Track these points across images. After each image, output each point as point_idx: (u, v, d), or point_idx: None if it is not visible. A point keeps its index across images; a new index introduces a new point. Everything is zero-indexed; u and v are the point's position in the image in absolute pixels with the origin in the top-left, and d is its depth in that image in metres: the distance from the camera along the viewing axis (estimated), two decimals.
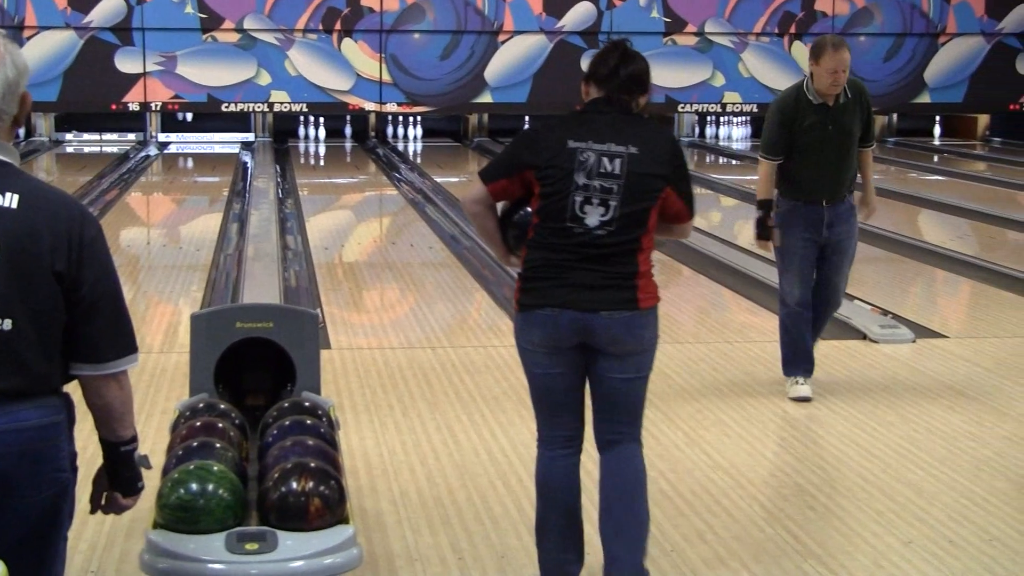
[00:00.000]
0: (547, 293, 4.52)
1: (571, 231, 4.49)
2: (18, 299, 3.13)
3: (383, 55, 21.34)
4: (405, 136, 22.52)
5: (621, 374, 4.59)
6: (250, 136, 22.04)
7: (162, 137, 21.89)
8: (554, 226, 4.51)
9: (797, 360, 7.40)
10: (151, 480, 4.05)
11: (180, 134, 22.11)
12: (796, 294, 7.36)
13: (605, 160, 4.48)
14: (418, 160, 20.45)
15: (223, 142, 21.90)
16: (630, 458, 4.64)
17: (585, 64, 4.80)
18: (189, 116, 21.94)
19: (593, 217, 4.47)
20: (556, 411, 4.65)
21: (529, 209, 4.63)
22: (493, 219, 4.71)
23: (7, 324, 3.12)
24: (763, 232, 7.41)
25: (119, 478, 3.46)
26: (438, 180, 17.37)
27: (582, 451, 4.72)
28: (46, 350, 3.20)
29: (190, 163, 20.48)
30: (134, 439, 3.44)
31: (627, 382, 4.61)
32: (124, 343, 3.30)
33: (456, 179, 18.12)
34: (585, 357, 4.59)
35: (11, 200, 3.14)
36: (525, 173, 4.56)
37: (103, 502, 3.50)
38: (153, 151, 20.83)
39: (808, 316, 7.39)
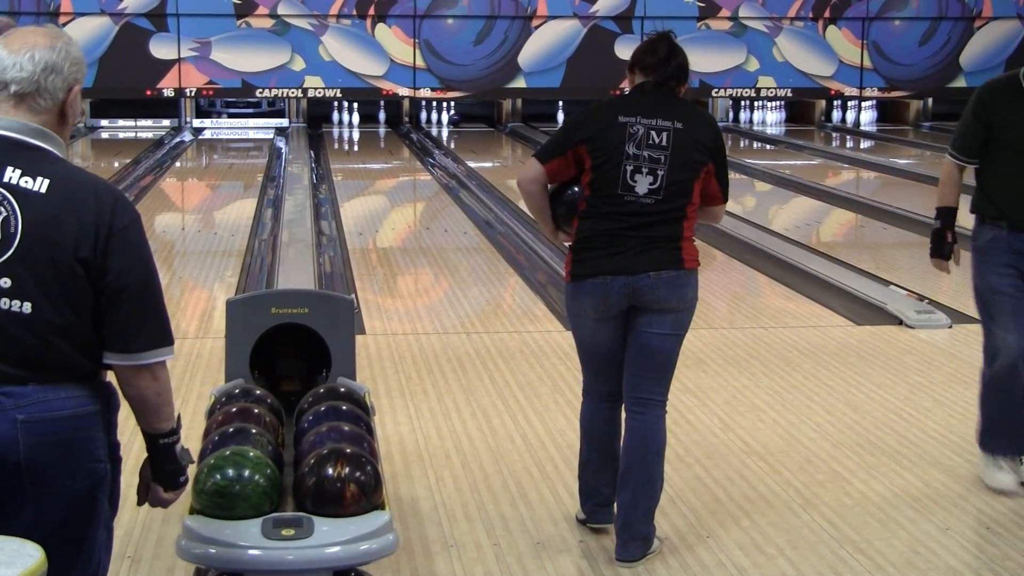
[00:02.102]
0: (598, 263, 4.89)
1: (622, 199, 4.84)
2: (38, 283, 3.15)
3: (417, 40, 21.33)
4: (439, 121, 22.51)
5: (660, 329, 4.92)
6: (284, 122, 22.07)
7: (196, 123, 21.93)
8: (606, 195, 4.87)
9: (1001, 431, 5.77)
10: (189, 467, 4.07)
11: (214, 119, 22.18)
12: (1009, 346, 5.64)
13: (653, 133, 4.84)
14: (451, 145, 20.45)
15: (257, 128, 21.94)
16: (654, 428, 4.99)
17: (620, 50, 5.08)
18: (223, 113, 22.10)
19: (642, 185, 4.83)
20: (600, 371, 5.09)
21: (576, 189, 4.98)
22: (546, 198, 5.06)
23: (27, 307, 3.14)
24: (939, 248, 5.97)
25: (160, 471, 3.47)
26: (472, 165, 17.36)
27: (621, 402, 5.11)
28: (73, 336, 3.20)
29: (224, 149, 20.51)
30: (174, 432, 3.43)
31: (663, 338, 4.94)
32: (156, 334, 3.28)
33: (490, 164, 18.11)
34: (628, 320, 4.94)
35: (40, 185, 3.16)
36: (578, 148, 4.91)
37: (148, 496, 3.51)
38: (188, 137, 20.87)
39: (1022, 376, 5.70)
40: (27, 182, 3.16)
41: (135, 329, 3.24)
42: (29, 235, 3.14)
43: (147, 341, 3.26)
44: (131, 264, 3.23)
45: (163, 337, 3.30)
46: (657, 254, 4.84)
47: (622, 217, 4.85)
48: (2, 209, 3.14)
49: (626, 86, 5.08)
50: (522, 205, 13.23)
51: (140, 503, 3.56)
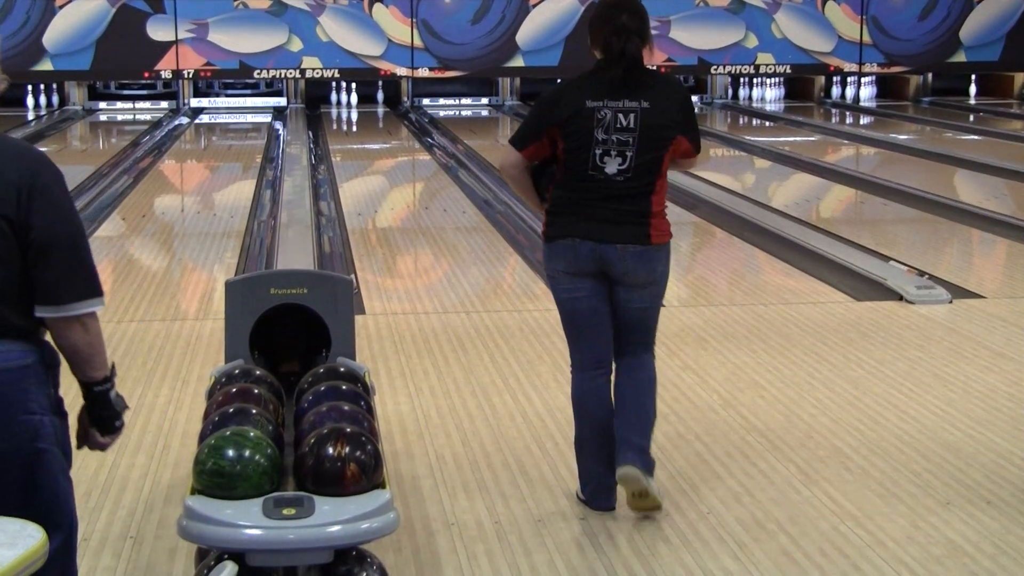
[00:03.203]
0: (569, 226, 5.03)
1: (593, 178, 4.99)
2: None
3: (414, 20, 21.30)
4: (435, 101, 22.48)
5: (639, 304, 5.10)
6: (282, 102, 22.03)
7: (194, 102, 21.88)
8: (577, 173, 5.01)
9: None
10: (189, 447, 4.09)
11: (212, 99, 22.13)
12: None
13: (620, 116, 4.94)
14: (448, 122, 20.42)
15: (255, 108, 21.90)
16: (643, 365, 5.19)
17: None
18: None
19: (612, 167, 4.96)
20: (584, 334, 5.16)
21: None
22: (528, 178, 5.18)
23: None
24: None
25: (96, 417, 3.61)
26: (470, 144, 17.34)
27: (611, 372, 5.19)
28: (2, 293, 3.32)
29: (223, 130, 20.48)
30: (107, 380, 3.57)
31: (643, 311, 5.13)
32: (83, 286, 3.39)
33: (489, 143, 18.08)
34: (607, 286, 5.08)
35: None
36: (551, 131, 5.04)
37: (88, 440, 3.66)
38: (186, 119, 20.83)
39: None
40: None
41: (63, 282, 3.36)
42: None
43: (76, 293, 3.38)
44: (55, 219, 3.35)
45: (92, 288, 3.42)
46: (625, 228, 4.98)
47: (592, 190, 5.00)
48: None
49: None
50: None
51: (79, 447, 3.67)
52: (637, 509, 5.11)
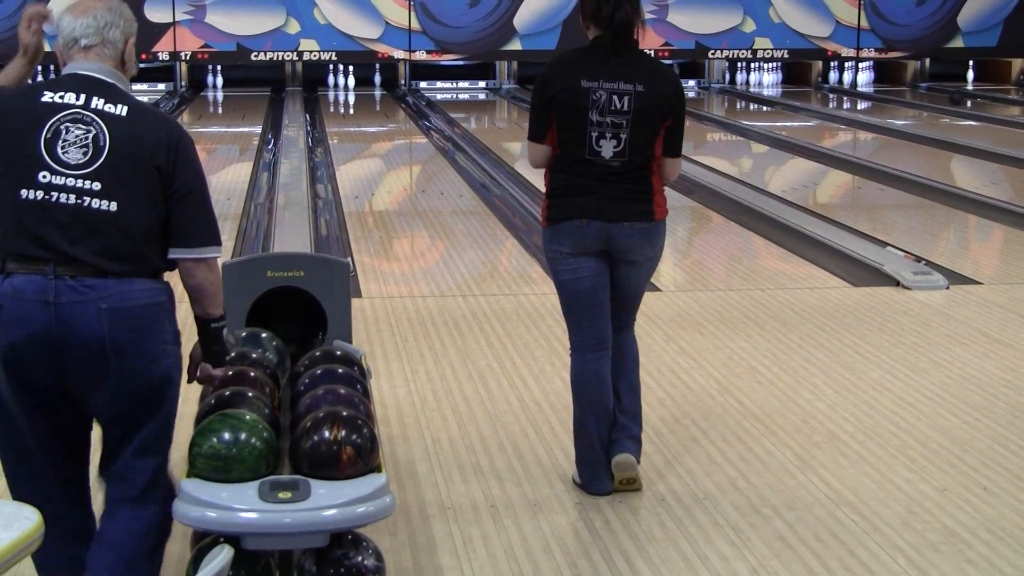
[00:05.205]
0: (575, 207, 5.07)
1: (591, 162, 5.04)
2: (123, 186, 3.78)
3: (412, 3, 21.25)
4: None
5: (636, 280, 5.23)
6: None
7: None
8: (574, 157, 5.04)
9: None
10: (183, 430, 4.09)
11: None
12: None
13: (615, 98, 4.99)
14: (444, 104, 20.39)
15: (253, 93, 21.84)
16: (631, 344, 5.35)
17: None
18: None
19: (607, 150, 5.01)
20: (585, 315, 5.19)
21: None
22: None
23: (113, 207, 3.77)
24: None
25: (210, 351, 4.09)
26: (467, 128, 17.31)
27: (610, 353, 5.25)
28: (148, 233, 3.82)
29: (220, 112, 20.45)
30: (223, 318, 4.07)
31: (638, 287, 5.27)
32: (212, 233, 3.96)
33: (486, 126, 18.06)
34: (608, 265, 5.15)
35: (121, 110, 3.85)
36: (553, 113, 5.10)
37: (198, 373, 4.14)
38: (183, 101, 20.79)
39: None
40: (110, 108, 3.83)
41: (198, 228, 3.92)
42: (115, 148, 3.78)
43: (207, 238, 3.94)
44: (194, 172, 3.92)
45: (217, 236, 3.98)
46: (631, 206, 5.06)
47: (591, 175, 5.05)
48: (92, 128, 3.79)
49: None
50: (518, 167, 13.21)
51: (190, 381, 4.14)
52: (619, 489, 5.23)
